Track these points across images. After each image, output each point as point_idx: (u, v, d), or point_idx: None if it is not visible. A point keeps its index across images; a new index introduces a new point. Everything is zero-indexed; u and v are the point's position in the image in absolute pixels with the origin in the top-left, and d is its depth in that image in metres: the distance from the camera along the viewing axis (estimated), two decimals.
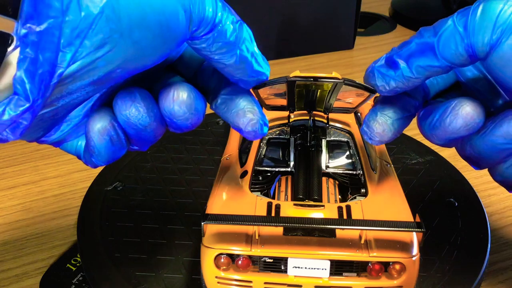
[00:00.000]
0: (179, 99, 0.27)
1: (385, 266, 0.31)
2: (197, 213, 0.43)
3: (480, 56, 0.26)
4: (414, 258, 0.31)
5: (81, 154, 0.29)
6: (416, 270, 0.31)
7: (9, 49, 0.21)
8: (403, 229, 0.30)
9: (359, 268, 0.31)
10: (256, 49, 0.28)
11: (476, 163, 0.30)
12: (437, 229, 0.41)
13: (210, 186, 0.36)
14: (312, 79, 0.30)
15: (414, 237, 0.31)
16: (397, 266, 0.31)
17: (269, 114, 0.41)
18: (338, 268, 0.31)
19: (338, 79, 0.30)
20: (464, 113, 0.28)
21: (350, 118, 0.41)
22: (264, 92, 0.48)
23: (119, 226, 0.42)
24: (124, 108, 0.27)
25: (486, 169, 0.31)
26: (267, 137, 0.39)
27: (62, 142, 0.28)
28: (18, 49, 0.22)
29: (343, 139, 0.39)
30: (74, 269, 0.41)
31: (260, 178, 0.37)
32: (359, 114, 0.42)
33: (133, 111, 0.27)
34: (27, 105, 0.22)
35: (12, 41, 0.21)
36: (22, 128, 0.23)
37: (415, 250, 0.31)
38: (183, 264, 0.38)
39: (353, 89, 0.31)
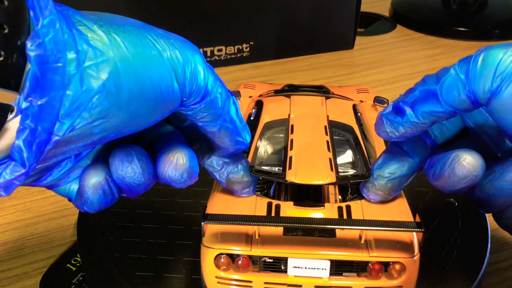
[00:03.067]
0: (181, 169, 0.29)
1: (385, 266, 0.31)
2: (197, 213, 0.43)
3: (482, 103, 0.27)
4: (414, 258, 0.31)
5: (73, 198, 0.30)
6: (416, 270, 0.31)
7: (9, 117, 0.22)
8: (403, 229, 0.30)
9: (359, 268, 0.31)
10: (239, 122, 0.30)
11: (484, 207, 0.31)
12: (437, 229, 0.41)
13: (210, 186, 0.36)
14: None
15: (414, 237, 0.31)
16: (397, 266, 0.31)
17: (270, 114, 0.41)
18: (338, 268, 0.31)
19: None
20: (461, 167, 0.28)
21: (350, 118, 0.41)
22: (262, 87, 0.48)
23: (119, 226, 0.42)
24: (121, 169, 0.28)
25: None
26: (267, 136, 0.39)
27: (54, 186, 0.29)
28: (18, 117, 0.22)
29: (343, 138, 0.39)
30: (74, 269, 0.41)
31: (260, 178, 0.37)
32: (359, 114, 0.42)
33: (130, 171, 0.28)
34: (23, 171, 0.23)
35: (12, 111, 0.22)
36: (14, 187, 0.23)
37: (415, 250, 0.31)
38: (183, 264, 0.38)
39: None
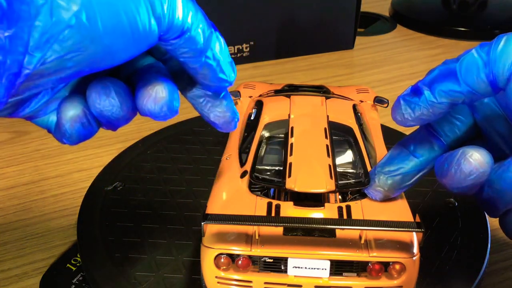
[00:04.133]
0: (161, 102, 0.28)
1: (385, 266, 0.31)
2: (197, 213, 0.43)
3: (500, 85, 0.27)
4: (414, 258, 0.31)
5: (52, 130, 0.29)
6: (416, 270, 0.31)
7: None
8: (403, 229, 0.30)
9: (359, 268, 0.31)
10: (223, 57, 0.29)
11: (493, 205, 0.31)
12: (437, 229, 0.41)
13: (210, 186, 0.36)
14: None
15: (414, 237, 0.31)
16: (397, 266, 0.31)
17: (270, 114, 0.41)
18: (338, 268, 0.31)
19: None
20: (467, 163, 0.28)
21: (350, 118, 0.41)
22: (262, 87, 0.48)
23: (119, 226, 0.42)
24: (98, 103, 0.27)
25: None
26: (267, 136, 0.39)
27: (32, 117, 0.29)
28: None
29: (343, 142, 0.39)
30: (74, 269, 0.41)
31: (260, 177, 0.37)
32: (359, 114, 0.42)
33: (107, 105, 0.27)
34: None
35: None
36: None
37: (415, 250, 0.31)
38: (183, 264, 0.38)
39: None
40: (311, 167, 0.34)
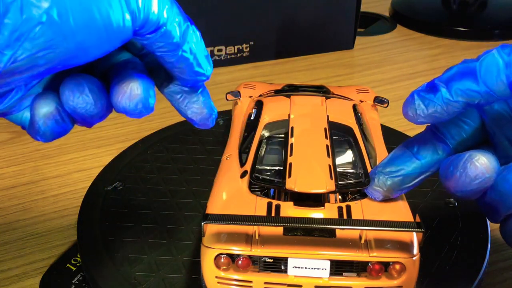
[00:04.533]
0: (135, 99, 0.27)
1: (385, 266, 0.31)
2: (197, 213, 0.43)
3: None
4: (414, 258, 0.31)
5: (26, 126, 0.29)
6: (416, 270, 0.31)
7: None
8: (403, 229, 0.30)
9: (359, 268, 0.31)
10: (199, 51, 0.28)
11: (495, 209, 0.30)
12: (437, 229, 0.41)
13: (210, 186, 0.36)
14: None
15: (414, 237, 0.31)
16: (397, 266, 0.31)
17: (270, 114, 0.41)
18: (338, 268, 0.31)
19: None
20: (473, 167, 0.28)
21: (350, 118, 0.41)
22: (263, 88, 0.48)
23: (119, 226, 0.42)
24: (71, 100, 0.27)
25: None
26: (267, 136, 0.39)
27: (6, 114, 0.28)
28: None
29: (343, 142, 0.39)
30: (74, 269, 0.41)
31: (260, 177, 0.37)
32: (359, 114, 0.42)
33: (81, 102, 0.27)
34: None
35: None
36: None
37: (415, 250, 0.31)
38: (183, 264, 0.38)
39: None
40: (311, 167, 0.34)
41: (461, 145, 0.33)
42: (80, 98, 0.27)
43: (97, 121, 0.29)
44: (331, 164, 0.35)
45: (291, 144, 0.37)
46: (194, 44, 0.28)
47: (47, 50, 0.23)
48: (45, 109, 0.27)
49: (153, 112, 0.69)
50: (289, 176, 0.34)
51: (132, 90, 0.27)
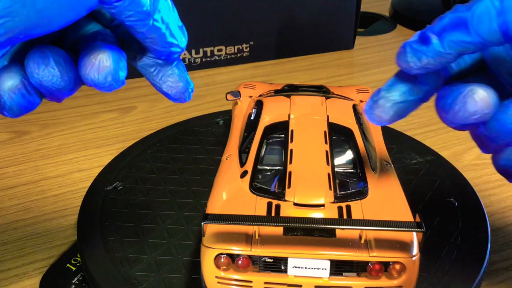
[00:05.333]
0: (104, 71, 0.26)
1: (385, 266, 0.31)
2: (197, 213, 0.43)
3: None
4: (414, 258, 0.31)
5: None
6: (416, 270, 0.31)
7: None
8: (403, 229, 0.30)
9: (359, 268, 0.31)
10: (172, 20, 0.27)
11: (485, 143, 0.30)
12: (437, 229, 0.41)
13: (210, 186, 0.36)
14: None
15: (414, 237, 0.31)
16: (397, 266, 0.31)
17: (270, 114, 0.41)
18: (338, 268, 0.31)
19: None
20: (473, 102, 0.27)
21: (350, 118, 0.41)
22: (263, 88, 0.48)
23: (119, 226, 0.42)
24: (36, 73, 0.26)
25: (488, 163, 0.30)
26: (267, 136, 0.39)
27: None
28: None
29: (342, 146, 0.39)
30: (74, 269, 0.41)
31: (260, 177, 0.37)
32: (359, 114, 0.42)
33: (46, 75, 0.26)
34: None
35: None
36: None
37: (415, 250, 0.31)
38: (183, 264, 0.38)
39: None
40: (310, 178, 0.34)
41: (459, 72, 0.32)
42: (46, 71, 0.26)
43: (66, 95, 0.28)
44: (330, 173, 0.35)
45: (291, 150, 0.37)
46: (166, 13, 0.27)
47: (5, 18, 0.22)
48: (10, 82, 0.26)
49: (153, 112, 0.69)
50: (289, 186, 0.34)
51: (101, 62, 0.26)
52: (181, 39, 0.28)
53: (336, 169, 0.37)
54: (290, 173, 0.35)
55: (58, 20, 0.24)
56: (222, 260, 0.31)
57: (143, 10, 0.25)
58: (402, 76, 0.31)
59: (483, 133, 0.29)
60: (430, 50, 0.28)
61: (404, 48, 0.29)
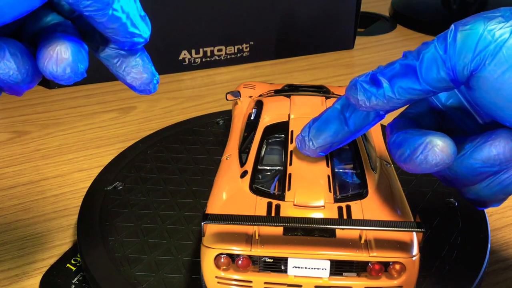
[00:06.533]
0: (63, 63, 0.26)
1: (385, 266, 0.31)
2: (197, 213, 0.43)
3: (461, 81, 0.26)
4: (414, 258, 0.31)
5: None
6: (416, 270, 0.31)
7: None
8: (403, 229, 0.30)
9: (359, 268, 0.31)
10: (133, 10, 0.27)
11: (450, 183, 0.31)
12: (437, 229, 0.41)
13: (210, 186, 0.36)
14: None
15: (414, 237, 0.31)
16: (397, 266, 0.31)
17: (270, 115, 0.41)
18: (338, 268, 0.31)
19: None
20: (434, 155, 0.27)
21: None
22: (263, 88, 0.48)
23: (119, 226, 0.42)
24: None
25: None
26: (267, 136, 0.39)
27: None
28: None
29: (342, 147, 0.39)
30: (74, 269, 0.41)
31: (260, 177, 0.37)
32: None
33: (2, 68, 0.25)
34: None
35: None
36: None
37: (415, 250, 0.31)
38: (183, 264, 0.38)
39: None
40: (310, 180, 0.34)
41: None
42: (1, 64, 0.25)
43: (25, 88, 0.27)
44: (330, 175, 0.35)
45: (291, 152, 0.37)
46: (126, 3, 0.26)
47: None
48: None
49: (153, 112, 0.69)
50: (289, 188, 0.34)
51: (59, 54, 0.26)
52: (143, 29, 0.27)
53: (336, 170, 0.37)
54: (290, 175, 0.35)
55: (10, 12, 0.23)
56: (222, 260, 0.31)
57: (101, 0, 0.25)
58: (332, 114, 0.32)
59: (447, 175, 0.30)
60: (380, 93, 0.28)
61: (355, 86, 0.29)
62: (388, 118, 0.33)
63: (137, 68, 0.29)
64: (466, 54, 0.26)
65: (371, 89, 0.28)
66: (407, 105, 0.31)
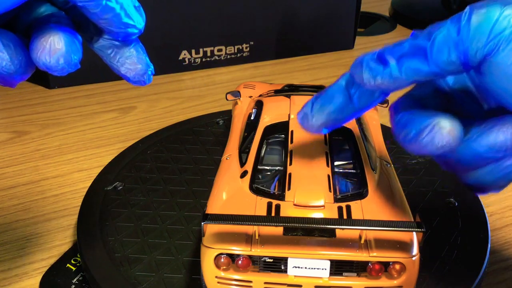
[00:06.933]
0: (56, 54, 0.26)
1: (385, 266, 0.31)
2: (197, 213, 0.43)
3: (472, 65, 0.26)
4: (414, 258, 0.31)
5: None
6: (416, 270, 0.31)
7: None
8: (403, 229, 0.30)
9: (359, 268, 0.31)
10: (130, 0, 0.27)
11: (451, 167, 0.30)
12: (437, 229, 0.41)
13: (210, 186, 0.36)
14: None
15: (414, 237, 0.31)
16: (397, 266, 0.31)
17: (269, 115, 0.41)
18: (338, 268, 0.31)
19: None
20: (441, 136, 0.27)
21: None
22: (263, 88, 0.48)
23: (119, 226, 0.42)
24: None
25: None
26: (267, 136, 0.39)
27: None
28: None
29: (342, 143, 0.39)
30: (74, 269, 0.41)
31: (260, 177, 0.37)
32: None
33: None
34: None
35: None
36: None
37: (415, 250, 0.31)
38: (183, 264, 0.38)
39: None
40: (310, 179, 0.34)
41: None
42: None
43: (18, 80, 0.27)
44: (330, 174, 0.35)
45: (291, 152, 0.37)
46: None
47: None
48: None
49: (153, 112, 0.69)
50: (289, 188, 0.34)
51: (52, 44, 0.26)
52: (138, 19, 0.27)
53: (336, 169, 0.37)
54: (290, 175, 0.35)
55: (3, 2, 0.23)
56: (222, 260, 0.31)
57: None
58: (337, 90, 0.32)
59: (449, 159, 0.29)
60: (386, 72, 0.28)
61: (360, 63, 0.29)
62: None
63: (131, 59, 0.29)
64: (480, 38, 0.25)
65: (377, 68, 0.28)
66: (412, 85, 0.30)
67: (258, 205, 0.33)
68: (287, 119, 0.40)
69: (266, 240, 0.31)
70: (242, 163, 0.38)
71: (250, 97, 0.48)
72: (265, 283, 0.32)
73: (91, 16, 0.26)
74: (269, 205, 0.33)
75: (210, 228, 0.32)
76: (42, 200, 0.49)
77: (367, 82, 0.28)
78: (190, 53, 0.72)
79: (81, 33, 0.28)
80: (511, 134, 0.27)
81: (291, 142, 0.38)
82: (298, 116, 0.32)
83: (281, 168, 0.37)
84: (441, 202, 0.44)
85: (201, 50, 0.73)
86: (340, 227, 0.30)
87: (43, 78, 0.68)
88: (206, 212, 0.31)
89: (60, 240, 0.45)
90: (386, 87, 0.28)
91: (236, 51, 0.75)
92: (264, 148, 0.39)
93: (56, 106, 0.65)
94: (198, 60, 0.73)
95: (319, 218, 0.31)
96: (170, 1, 0.68)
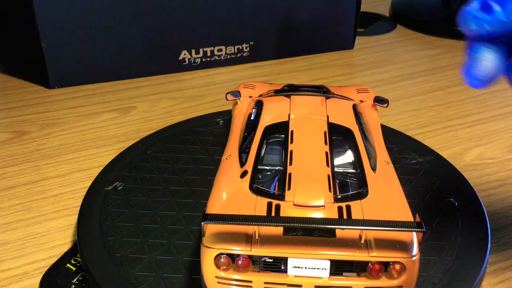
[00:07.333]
0: None
1: (385, 266, 0.31)
2: (197, 213, 0.43)
3: None
4: (414, 258, 0.31)
5: None
6: (416, 270, 0.31)
7: None
8: (403, 229, 0.30)
9: (359, 268, 0.31)
10: None
11: None
12: (437, 229, 0.41)
13: (210, 186, 0.36)
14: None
15: (414, 237, 0.31)
16: (397, 266, 0.31)
17: (269, 115, 0.41)
18: (338, 268, 0.31)
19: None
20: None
21: (350, 118, 0.41)
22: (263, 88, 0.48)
23: (119, 226, 0.42)
24: None
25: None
26: (267, 136, 0.39)
27: None
28: None
29: (343, 143, 0.39)
30: (74, 269, 0.41)
31: (260, 177, 0.37)
32: (359, 114, 0.42)
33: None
34: None
35: None
36: None
37: (415, 250, 0.31)
38: (183, 264, 0.38)
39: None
40: (310, 179, 0.34)
41: None
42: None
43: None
44: (330, 174, 0.35)
45: (291, 152, 0.37)
46: None
47: None
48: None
49: (153, 112, 0.70)
50: (289, 188, 0.34)
51: None
52: None
53: (336, 169, 0.37)
54: (290, 174, 0.35)
55: None
56: (222, 260, 0.31)
57: None
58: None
59: None
60: (492, 18, 0.27)
61: (465, 16, 0.28)
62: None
63: None
64: None
65: (481, 15, 0.28)
66: None
67: (258, 205, 0.33)
68: (287, 119, 0.40)
69: (266, 240, 0.31)
70: (242, 163, 0.38)
71: (250, 97, 0.47)
72: (265, 283, 0.32)
73: None
74: (269, 205, 0.33)
75: (210, 228, 0.32)
76: (42, 200, 0.49)
77: (476, 32, 0.28)
78: (190, 53, 0.72)
79: None
80: None
81: (291, 142, 0.38)
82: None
83: (281, 168, 0.37)
84: (441, 202, 0.44)
85: (201, 50, 0.73)
86: (340, 227, 0.30)
87: (43, 78, 0.68)
88: (206, 212, 0.31)
89: (60, 240, 0.45)
90: (494, 33, 0.28)
91: (236, 51, 0.75)
92: (264, 148, 0.39)
93: (56, 106, 0.65)
94: (198, 60, 0.73)
95: (319, 218, 0.31)
96: (170, 1, 0.68)
